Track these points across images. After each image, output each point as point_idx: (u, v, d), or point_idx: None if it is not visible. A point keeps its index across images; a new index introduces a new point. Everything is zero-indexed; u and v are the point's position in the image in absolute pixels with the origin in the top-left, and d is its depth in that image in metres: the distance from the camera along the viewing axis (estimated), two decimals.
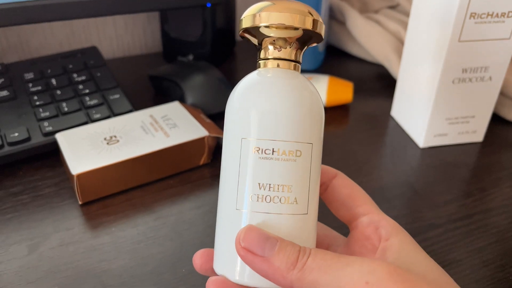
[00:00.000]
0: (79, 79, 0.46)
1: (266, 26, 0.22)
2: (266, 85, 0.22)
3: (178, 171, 0.39)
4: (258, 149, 0.21)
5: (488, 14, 0.36)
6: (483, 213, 0.36)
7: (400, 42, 0.54)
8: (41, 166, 0.40)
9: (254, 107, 0.22)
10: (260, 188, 0.21)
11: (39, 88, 0.44)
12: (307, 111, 0.22)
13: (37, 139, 0.39)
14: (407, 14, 0.58)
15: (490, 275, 0.31)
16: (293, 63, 0.23)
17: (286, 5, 0.22)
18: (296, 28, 0.22)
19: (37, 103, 0.43)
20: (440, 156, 0.42)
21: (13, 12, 0.40)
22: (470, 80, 0.40)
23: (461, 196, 0.37)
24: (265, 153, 0.21)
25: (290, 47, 0.23)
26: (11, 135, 0.39)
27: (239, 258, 0.21)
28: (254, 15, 0.22)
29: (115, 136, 0.38)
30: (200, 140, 0.38)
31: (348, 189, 0.26)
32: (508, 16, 0.37)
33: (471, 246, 0.33)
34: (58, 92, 0.44)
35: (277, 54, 0.23)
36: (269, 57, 0.23)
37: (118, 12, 0.45)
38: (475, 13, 0.36)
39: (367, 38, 0.56)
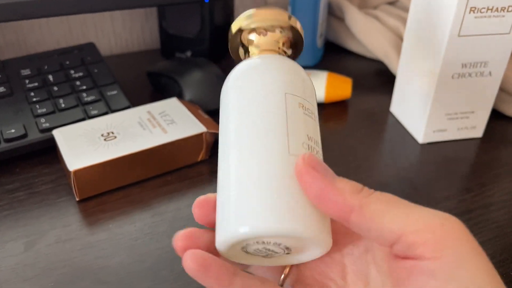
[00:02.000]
0: (76, 75, 0.45)
1: (250, 23, 0.26)
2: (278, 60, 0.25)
3: (176, 167, 0.39)
4: (302, 105, 0.23)
5: (488, 9, 0.36)
6: (482, 209, 0.35)
7: (399, 38, 0.54)
8: (37, 163, 0.39)
9: (281, 70, 0.24)
10: (308, 140, 0.22)
11: (36, 84, 0.44)
12: (311, 83, 0.26)
13: (34, 136, 0.39)
14: (406, 10, 0.58)
15: None
16: (280, 51, 0.26)
17: (267, 9, 0.26)
18: (277, 22, 0.26)
19: (34, 99, 0.42)
20: (440, 152, 0.42)
21: (9, 8, 0.39)
22: (470, 75, 0.39)
23: (460, 192, 0.37)
24: (304, 109, 0.23)
25: (276, 32, 0.26)
26: (8, 132, 0.39)
27: (280, 201, 0.19)
28: (239, 20, 0.26)
29: (112, 132, 0.38)
30: (198, 136, 0.38)
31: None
32: (508, 11, 0.36)
33: None
34: (55, 88, 0.44)
35: (263, 41, 0.26)
36: (255, 48, 0.26)
37: (116, 8, 0.44)
38: (475, 8, 0.36)
39: (366, 34, 0.55)
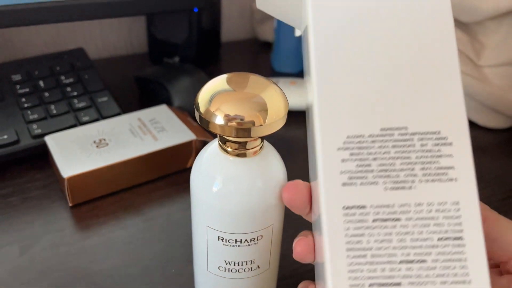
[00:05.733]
0: (67, 81, 0.46)
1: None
2: (226, 183, 0.23)
3: (166, 173, 0.40)
4: (222, 238, 0.24)
5: None
6: None
7: None
8: (29, 168, 0.40)
9: (214, 204, 0.23)
10: (226, 264, 0.25)
11: (27, 90, 0.45)
12: (265, 205, 0.23)
13: (26, 142, 0.40)
14: None
15: None
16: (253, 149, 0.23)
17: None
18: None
19: (25, 105, 0.43)
20: None
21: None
22: None
23: None
24: (228, 242, 0.24)
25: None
26: (0, 138, 0.39)
27: None
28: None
29: (104, 139, 0.39)
30: (188, 144, 0.40)
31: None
32: None
33: None
34: (46, 94, 0.44)
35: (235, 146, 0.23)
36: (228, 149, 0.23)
37: (105, 16, 0.45)
38: None
39: None
